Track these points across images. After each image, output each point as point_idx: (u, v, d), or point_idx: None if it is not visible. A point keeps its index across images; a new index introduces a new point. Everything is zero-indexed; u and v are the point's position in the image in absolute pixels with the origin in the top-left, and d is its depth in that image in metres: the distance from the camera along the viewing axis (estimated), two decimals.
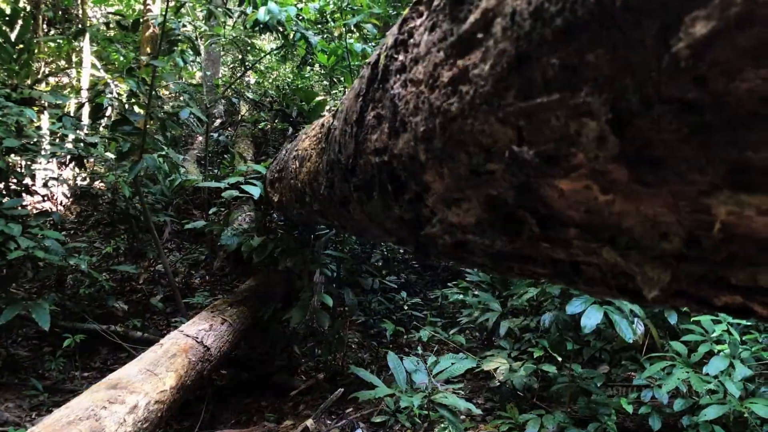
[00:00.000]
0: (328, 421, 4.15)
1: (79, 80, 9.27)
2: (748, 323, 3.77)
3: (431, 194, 1.06)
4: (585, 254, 0.70)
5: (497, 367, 3.95)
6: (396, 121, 1.03)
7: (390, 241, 1.79)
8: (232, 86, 8.26)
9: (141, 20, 5.38)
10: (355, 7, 5.62)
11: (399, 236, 1.56)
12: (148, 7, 8.75)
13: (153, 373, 3.30)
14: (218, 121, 9.87)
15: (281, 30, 5.42)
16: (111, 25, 7.00)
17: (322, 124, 2.42)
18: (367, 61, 1.35)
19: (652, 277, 0.58)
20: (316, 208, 2.64)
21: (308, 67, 8.36)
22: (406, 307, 5.80)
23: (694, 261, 0.55)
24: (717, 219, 0.49)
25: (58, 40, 8.73)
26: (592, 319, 3.23)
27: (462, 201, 0.93)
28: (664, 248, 0.58)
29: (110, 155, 6.51)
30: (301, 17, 5.94)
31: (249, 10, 5.43)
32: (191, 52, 6.11)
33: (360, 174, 1.42)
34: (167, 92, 9.23)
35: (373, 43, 5.97)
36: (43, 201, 7.32)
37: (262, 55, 8.89)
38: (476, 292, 4.95)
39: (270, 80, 10.01)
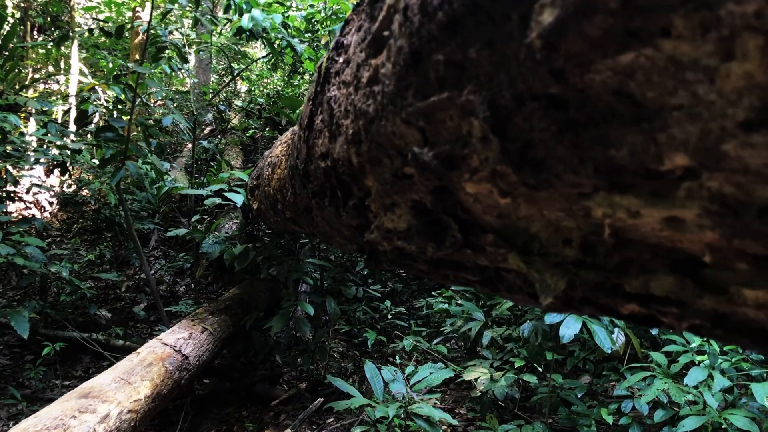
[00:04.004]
0: None
1: (67, 87, 9.23)
2: None
3: (372, 199, 1.04)
4: (500, 261, 0.68)
5: (478, 377, 3.92)
6: (332, 124, 1.01)
7: (352, 248, 1.76)
8: (221, 94, 8.24)
9: (127, 27, 5.35)
10: (342, 15, 5.60)
11: (356, 243, 1.53)
12: (137, 14, 8.73)
13: (127, 382, 3.25)
14: (208, 128, 9.84)
15: (267, 38, 5.40)
16: (96, 32, 6.96)
17: (293, 131, 2.40)
18: (316, 65, 1.33)
19: (550, 285, 0.55)
20: (289, 216, 2.61)
21: (298, 75, 8.35)
22: (390, 317, 5.76)
23: (590, 267, 0.52)
24: (604, 223, 0.46)
25: (47, 46, 8.70)
26: (570, 328, 3.20)
27: (395, 206, 0.91)
28: (566, 254, 0.55)
29: (96, 162, 6.47)
30: (287, 25, 5.92)
31: (236, 17, 5.41)
32: (178, 60, 6.09)
33: (314, 180, 1.40)
34: (156, 99, 9.20)
35: None
36: (28, 208, 7.28)
37: (250, 62, 8.87)
38: (460, 302, 4.92)
39: (260, 88, 10.00)
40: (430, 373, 3.40)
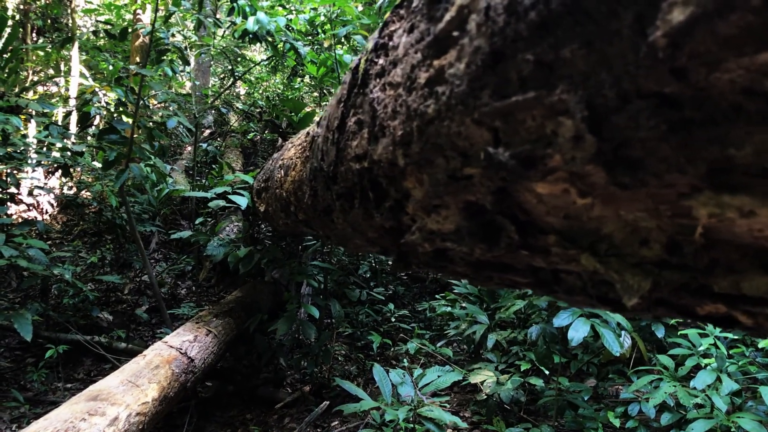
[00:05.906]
0: None
1: (68, 89, 9.21)
2: (735, 337, 3.76)
3: (411, 201, 1.03)
4: (565, 262, 0.68)
5: (484, 380, 3.92)
6: (375, 125, 1.00)
7: (373, 251, 1.76)
8: (221, 96, 8.23)
9: (129, 29, 5.34)
10: (345, 18, 5.61)
11: (381, 245, 1.53)
12: (138, 16, 8.72)
13: (135, 385, 3.24)
14: (207, 131, 9.83)
15: (270, 40, 5.40)
16: (100, 34, 6.96)
17: (308, 133, 2.39)
18: (349, 66, 1.33)
19: (633, 285, 0.55)
20: (301, 218, 2.61)
21: (298, 78, 8.35)
22: (393, 319, 5.76)
23: (675, 268, 0.52)
24: (699, 223, 0.46)
25: (47, 49, 8.68)
26: (579, 331, 3.20)
27: (441, 208, 0.90)
28: (644, 255, 0.55)
29: (98, 164, 6.46)
30: (290, 28, 5.92)
31: (239, 20, 5.40)
32: (180, 62, 6.08)
33: (341, 182, 1.40)
34: (156, 102, 9.19)
35: None
36: (29, 210, 7.26)
37: (252, 65, 8.87)
38: (464, 305, 4.92)
39: (260, 91, 9.99)
40: (438, 376, 3.39)
